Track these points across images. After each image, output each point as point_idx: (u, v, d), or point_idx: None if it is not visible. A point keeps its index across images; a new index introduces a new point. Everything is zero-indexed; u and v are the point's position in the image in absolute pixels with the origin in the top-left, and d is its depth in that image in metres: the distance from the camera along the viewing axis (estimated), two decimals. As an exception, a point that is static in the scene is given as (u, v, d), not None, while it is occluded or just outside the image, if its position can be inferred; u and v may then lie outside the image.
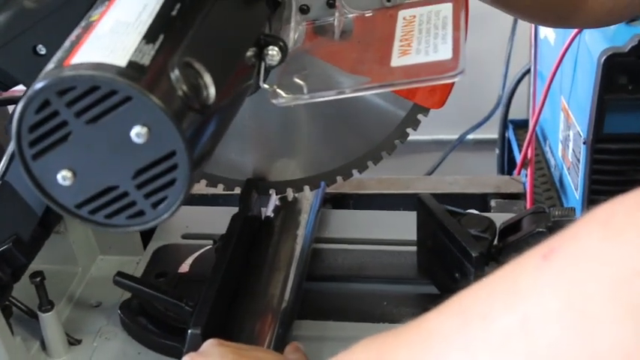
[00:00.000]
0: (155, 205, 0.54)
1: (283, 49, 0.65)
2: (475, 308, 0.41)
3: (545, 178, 1.65)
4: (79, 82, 0.50)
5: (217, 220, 0.99)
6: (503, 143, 1.96)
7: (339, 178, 0.88)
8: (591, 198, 1.29)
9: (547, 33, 1.63)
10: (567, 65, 1.43)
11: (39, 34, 0.65)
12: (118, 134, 0.51)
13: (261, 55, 0.65)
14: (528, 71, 1.81)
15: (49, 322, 0.82)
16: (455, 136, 2.07)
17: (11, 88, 0.72)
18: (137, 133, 0.50)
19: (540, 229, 0.81)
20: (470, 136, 2.11)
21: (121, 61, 0.50)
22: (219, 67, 0.57)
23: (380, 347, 0.50)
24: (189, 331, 0.72)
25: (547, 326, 0.36)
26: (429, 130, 2.16)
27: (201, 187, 1.19)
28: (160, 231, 1.04)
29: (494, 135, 2.04)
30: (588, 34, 1.32)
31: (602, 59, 1.22)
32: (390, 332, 0.48)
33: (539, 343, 0.36)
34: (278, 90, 0.65)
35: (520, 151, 1.81)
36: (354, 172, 0.87)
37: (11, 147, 0.53)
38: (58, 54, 0.55)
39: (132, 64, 0.50)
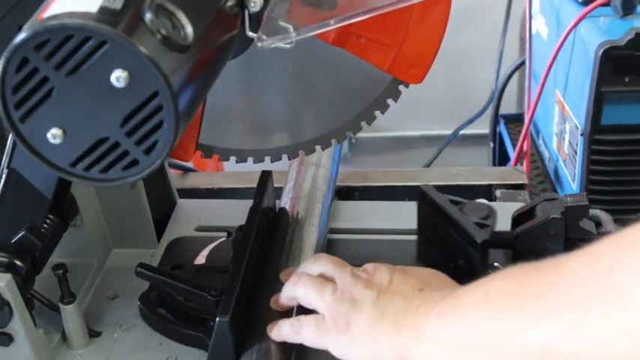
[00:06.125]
0: (147, 151, 0.54)
1: None
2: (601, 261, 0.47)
3: (538, 171, 1.68)
4: (52, 32, 0.50)
5: (229, 212, 1.00)
6: (495, 138, 1.98)
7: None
8: (590, 188, 1.32)
9: (539, 28, 1.66)
10: (561, 59, 1.46)
11: (25, 13, 0.65)
12: (99, 81, 0.51)
13: (242, 3, 0.64)
14: (519, 66, 1.84)
15: (71, 314, 0.82)
16: (447, 132, 2.09)
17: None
18: (117, 77, 0.50)
19: (555, 216, 0.83)
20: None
21: (92, 8, 0.50)
22: (195, 9, 0.56)
23: (521, 278, 0.54)
24: (217, 319, 0.73)
25: None
26: (421, 125, 2.19)
27: (212, 182, 1.20)
28: (172, 224, 1.05)
29: (483, 130, 2.07)
30: (584, 28, 1.35)
31: (600, 52, 1.25)
32: (533, 265, 0.53)
33: None
34: (264, 36, 0.65)
35: (513, 145, 1.84)
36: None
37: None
38: (34, 14, 0.53)
39: (103, 9, 0.50)
